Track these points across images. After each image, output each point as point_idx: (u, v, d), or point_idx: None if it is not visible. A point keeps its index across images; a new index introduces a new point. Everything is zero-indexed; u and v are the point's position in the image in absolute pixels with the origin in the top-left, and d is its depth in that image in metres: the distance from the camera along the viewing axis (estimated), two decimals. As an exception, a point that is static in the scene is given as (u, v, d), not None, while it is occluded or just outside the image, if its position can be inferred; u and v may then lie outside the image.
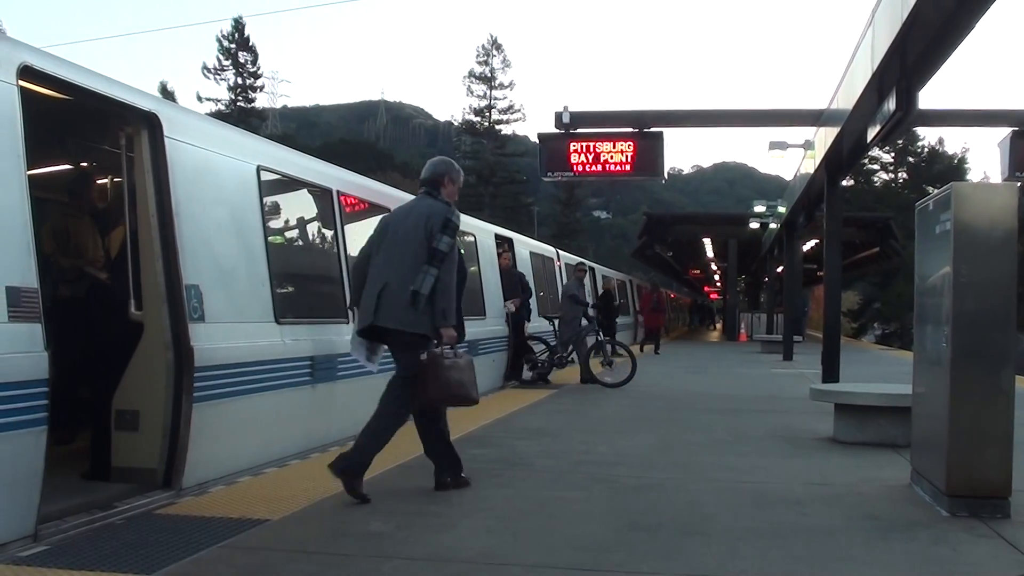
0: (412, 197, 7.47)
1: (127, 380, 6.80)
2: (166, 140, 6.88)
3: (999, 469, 6.15)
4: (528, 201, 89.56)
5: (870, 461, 8.40)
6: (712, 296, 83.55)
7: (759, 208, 31.52)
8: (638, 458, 8.55)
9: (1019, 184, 12.86)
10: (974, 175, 66.94)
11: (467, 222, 15.93)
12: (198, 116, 9.46)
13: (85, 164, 8.98)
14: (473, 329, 14.18)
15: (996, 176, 15.37)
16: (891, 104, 10.07)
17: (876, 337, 63.61)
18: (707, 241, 46.29)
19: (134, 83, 7.16)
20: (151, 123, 6.85)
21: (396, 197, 12.47)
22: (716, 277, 69.39)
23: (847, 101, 11.89)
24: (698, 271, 68.68)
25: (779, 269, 39.68)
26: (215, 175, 7.68)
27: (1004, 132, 14.04)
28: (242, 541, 5.40)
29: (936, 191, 6.93)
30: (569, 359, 16.91)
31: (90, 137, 8.19)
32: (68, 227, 7.90)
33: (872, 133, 11.57)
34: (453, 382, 6.72)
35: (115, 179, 8.41)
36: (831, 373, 14.57)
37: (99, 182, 8.94)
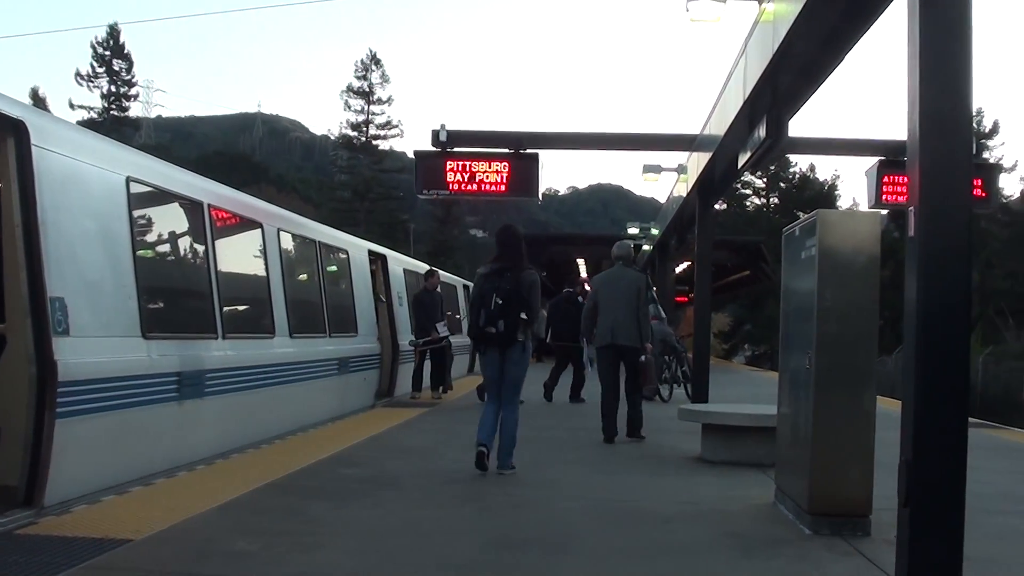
0: (285, 211, 7.44)
1: (-12, 394, 6.56)
2: (33, 149, 6.68)
3: (860, 488, 6.32)
4: (404, 218, 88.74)
5: (736, 480, 8.56)
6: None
7: (633, 230, 31.97)
8: (508, 476, 8.58)
9: (884, 212, 13.27)
10: (844, 202, 68.71)
11: (340, 238, 15.86)
12: (67, 125, 9.22)
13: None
14: (344, 347, 14.09)
15: (864, 203, 15.76)
16: (762, 131, 10.34)
17: (746, 358, 64.86)
18: (581, 262, 46.67)
19: (3, 89, 6.96)
20: (18, 131, 6.64)
21: (269, 212, 12.32)
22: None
23: (720, 127, 12.15)
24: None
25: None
26: (83, 185, 7.49)
27: (872, 161, 14.45)
28: (105, 562, 5.25)
29: (803, 217, 7.13)
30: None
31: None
32: None
33: (743, 159, 11.86)
34: (654, 375, 12.96)
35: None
36: (700, 393, 14.84)
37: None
